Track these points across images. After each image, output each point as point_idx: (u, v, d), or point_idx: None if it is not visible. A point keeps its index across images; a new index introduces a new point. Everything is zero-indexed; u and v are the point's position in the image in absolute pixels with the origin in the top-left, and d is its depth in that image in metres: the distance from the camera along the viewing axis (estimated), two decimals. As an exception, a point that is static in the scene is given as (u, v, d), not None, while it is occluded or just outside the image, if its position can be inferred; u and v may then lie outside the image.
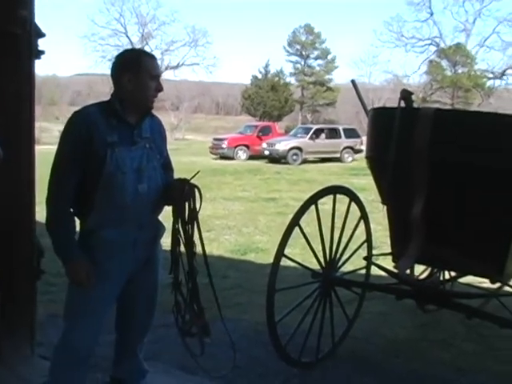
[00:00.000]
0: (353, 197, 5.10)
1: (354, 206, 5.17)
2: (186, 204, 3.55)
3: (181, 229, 3.59)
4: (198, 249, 3.63)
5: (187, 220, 3.58)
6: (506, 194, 3.91)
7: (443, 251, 4.28)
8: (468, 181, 3.98)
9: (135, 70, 3.35)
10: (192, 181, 3.55)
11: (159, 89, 3.49)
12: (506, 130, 3.92)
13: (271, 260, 4.78)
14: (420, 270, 5.96)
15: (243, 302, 6.73)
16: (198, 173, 3.71)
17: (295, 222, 4.59)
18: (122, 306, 3.86)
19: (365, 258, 5.12)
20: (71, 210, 3.43)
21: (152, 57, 3.50)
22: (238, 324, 5.91)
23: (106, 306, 3.58)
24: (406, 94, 4.32)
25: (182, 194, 3.51)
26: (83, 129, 3.30)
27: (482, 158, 3.89)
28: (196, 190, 3.57)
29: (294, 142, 30.69)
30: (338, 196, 4.98)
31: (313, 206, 4.70)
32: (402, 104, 4.31)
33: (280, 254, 4.56)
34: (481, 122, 4.12)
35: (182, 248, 3.65)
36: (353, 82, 5.39)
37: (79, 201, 3.43)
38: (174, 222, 3.60)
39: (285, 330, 4.80)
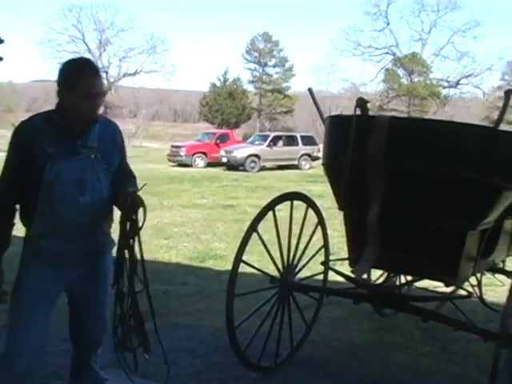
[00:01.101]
0: (310, 203, 5.17)
1: (311, 212, 5.24)
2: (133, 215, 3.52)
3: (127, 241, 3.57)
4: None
5: (129, 232, 3.55)
6: (458, 199, 4.01)
7: (399, 256, 4.36)
8: (421, 187, 4.06)
9: (69, 88, 3.32)
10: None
11: (92, 109, 3.40)
12: (457, 137, 4.02)
13: (230, 266, 4.81)
14: (377, 275, 6.06)
15: (202, 308, 6.74)
16: (144, 185, 3.72)
17: (253, 228, 4.63)
18: (71, 318, 3.86)
19: (322, 264, 5.18)
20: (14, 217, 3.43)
21: (91, 74, 3.38)
22: (197, 330, 5.96)
23: (38, 319, 3.49)
24: (361, 102, 4.39)
25: (125, 206, 3.48)
26: (23, 138, 3.32)
27: (433, 163, 3.98)
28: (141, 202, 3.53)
29: (251, 150, 30.78)
30: (295, 203, 5.04)
31: (270, 213, 4.75)
32: (358, 112, 4.39)
33: (238, 259, 4.60)
34: (435, 129, 4.22)
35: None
36: (309, 90, 5.46)
37: (25, 208, 3.44)
38: (120, 235, 3.59)
39: (244, 335, 4.84)
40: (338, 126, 4.59)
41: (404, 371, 5.25)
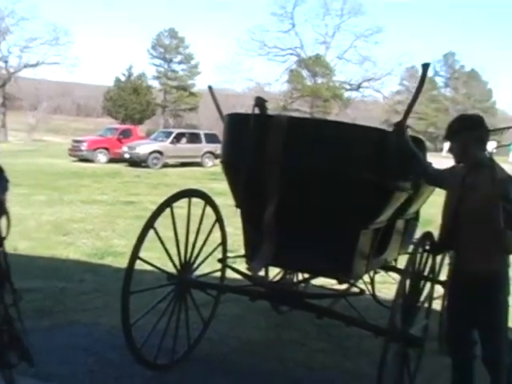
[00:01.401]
0: (208, 200, 5.18)
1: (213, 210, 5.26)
2: None
3: None
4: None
5: None
6: (351, 199, 4.10)
7: (294, 254, 4.43)
8: (316, 186, 4.14)
9: None
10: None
11: None
12: (351, 138, 4.12)
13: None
14: (275, 273, 6.13)
15: (100, 305, 6.65)
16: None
17: (150, 224, 4.59)
18: None
19: (219, 261, 5.20)
20: None
21: None
22: (93, 328, 5.87)
23: None
24: (260, 101, 4.44)
25: None
26: None
27: (329, 163, 4.07)
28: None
29: (154, 146, 30.39)
30: (196, 200, 5.03)
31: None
32: (257, 111, 4.43)
33: (134, 256, 4.55)
34: (330, 130, 4.31)
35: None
36: (209, 87, 5.47)
37: None
38: None
39: (141, 333, 4.79)
40: (236, 125, 4.61)
41: (300, 368, 5.35)
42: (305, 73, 67.81)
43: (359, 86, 68.23)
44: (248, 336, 6.01)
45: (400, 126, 4.19)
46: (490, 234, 3.82)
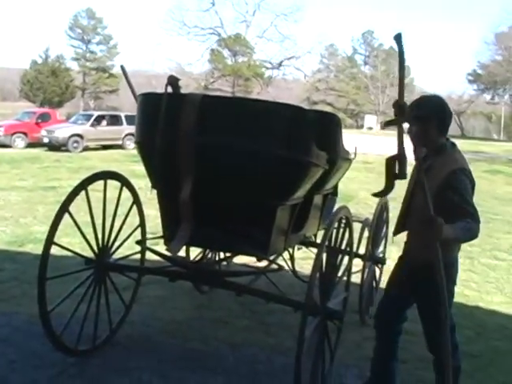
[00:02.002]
0: (124, 182, 5.11)
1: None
2: None
3: None
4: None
5: None
6: (265, 174, 4.11)
7: (212, 232, 4.41)
8: (230, 164, 4.13)
9: None
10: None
11: None
12: (266, 115, 4.12)
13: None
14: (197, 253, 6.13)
15: (18, 294, 6.50)
16: None
17: (64, 208, 4.49)
18: None
19: (137, 242, 5.14)
20: None
21: None
22: (12, 317, 5.74)
23: None
24: (172, 80, 4.39)
25: None
26: None
27: (242, 140, 4.06)
28: None
29: (74, 129, 29.70)
30: (116, 183, 4.97)
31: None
32: (170, 89, 4.38)
33: (49, 242, 4.46)
34: (244, 107, 4.30)
35: None
36: (122, 67, 5.38)
37: None
38: None
39: (62, 320, 4.70)
40: (149, 104, 4.54)
41: (223, 345, 5.39)
42: (226, 52, 67.76)
43: (280, 65, 68.66)
44: (171, 317, 6.01)
45: (400, 108, 3.60)
46: None
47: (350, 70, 78.89)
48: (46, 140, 29.47)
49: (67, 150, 28.41)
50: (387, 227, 7.03)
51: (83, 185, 4.64)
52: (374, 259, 6.57)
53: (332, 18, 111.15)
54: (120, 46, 69.24)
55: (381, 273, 7.08)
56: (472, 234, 3.71)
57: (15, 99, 78.14)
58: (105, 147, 30.40)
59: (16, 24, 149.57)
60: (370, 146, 33.32)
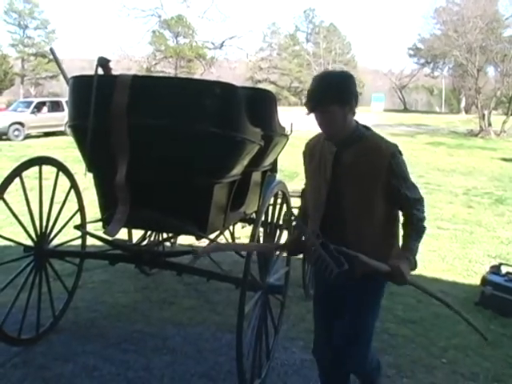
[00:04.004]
0: (60, 167, 5.05)
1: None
2: None
3: None
4: None
5: None
6: (199, 152, 4.11)
7: (149, 214, 4.40)
8: (164, 143, 4.12)
9: None
10: None
11: None
12: (197, 93, 4.13)
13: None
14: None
15: (-43, 285, 6.37)
16: None
17: (-1, 196, 4.43)
18: None
19: (76, 227, 5.10)
20: None
21: None
22: (-49, 310, 5.63)
23: None
24: (103, 61, 4.35)
25: None
26: None
27: (174, 119, 4.06)
28: None
29: (14, 117, 28.98)
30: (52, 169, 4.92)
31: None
32: (101, 71, 4.34)
33: None
34: (174, 86, 4.28)
35: None
36: (51, 49, 5.29)
37: None
38: None
39: (3, 310, 4.65)
40: (80, 87, 4.49)
41: (168, 326, 5.41)
42: (167, 34, 67.13)
43: (222, 45, 68.35)
44: (115, 300, 5.99)
45: None
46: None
47: (293, 48, 79.08)
48: (-15, 129, 28.79)
49: (8, 139, 27.81)
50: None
51: (17, 171, 4.57)
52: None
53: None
54: (59, 31, 67.57)
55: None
56: (423, 223, 3.39)
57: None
58: (47, 134, 29.81)
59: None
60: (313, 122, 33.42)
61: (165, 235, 6.01)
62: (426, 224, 3.41)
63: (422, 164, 19.50)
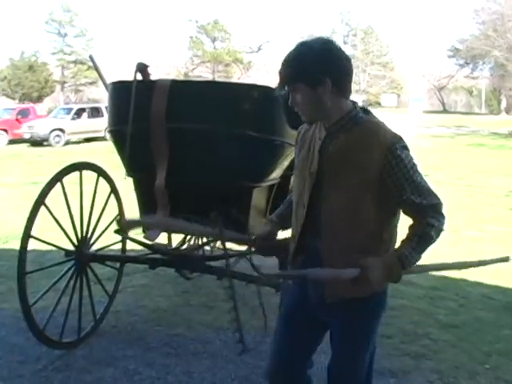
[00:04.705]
0: (100, 172, 5.09)
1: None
2: None
3: None
4: None
5: None
6: (238, 156, 4.12)
7: (189, 217, 4.39)
8: (205, 147, 4.13)
9: None
10: None
11: None
12: (236, 97, 4.13)
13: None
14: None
15: (3, 290, 6.46)
16: None
17: (40, 201, 4.48)
18: None
19: (116, 232, 5.13)
20: None
21: None
22: (-4, 314, 5.72)
23: None
24: (141, 67, 4.38)
25: None
26: None
27: (213, 122, 4.06)
28: None
29: (55, 123, 29.51)
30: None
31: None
32: (139, 77, 4.37)
33: (26, 235, 4.46)
34: (213, 90, 4.29)
35: None
36: (90, 57, 5.36)
37: None
38: None
39: (46, 314, 4.70)
40: (120, 92, 4.53)
41: (208, 330, 5.40)
42: (204, 39, 67.58)
43: (259, 49, 68.52)
44: (156, 304, 6.00)
45: None
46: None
47: (330, 51, 78.82)
48: (27, 136, 29.29)
49: (49, 145, 28.24)
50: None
51: (58, 177, 4.62)
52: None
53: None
54: (97, 38, 68.45)
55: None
56: (437, 235, 2.60)
57: (-6, 97, 77.46)
58: (87, 140, 30.20)
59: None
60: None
61: (204, 239, 6.02)
62: (437, 234, 2.60)
63: (463, 166, 19.25)
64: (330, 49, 2.53)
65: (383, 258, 2.56)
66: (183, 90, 4.24)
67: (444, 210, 2.61)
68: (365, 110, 2.68)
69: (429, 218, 2.55)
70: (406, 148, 2.54)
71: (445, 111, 70.80)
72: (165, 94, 4.11)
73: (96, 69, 5.14)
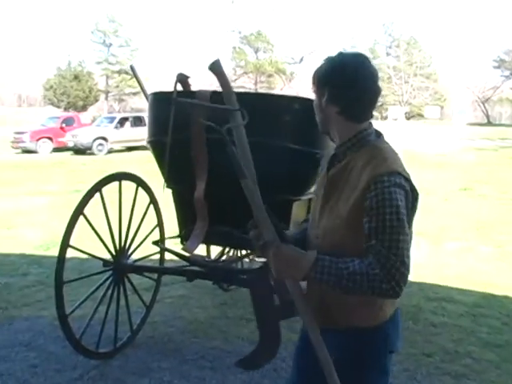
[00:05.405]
0: (139, 182, 5.08)
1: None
2: None
3: None
4: None
5: None
6: (279, 169, 4.05)
7: (229, 230, 4.37)
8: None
9: None
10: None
11: None
12: (276, 109, 4.08)
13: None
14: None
15: (43, 298, 6.51)
16: None
17: (79, 211, 4.49)
18: None
19: (154, 243, 5.11)
20: None
21: None
22: (35, 321, 5.76)
23: None
24: (182, 78, 4.35)
25: None
26: None
27: (254, 134, 3.98)
28: None
29: (98, 132, 29.88)
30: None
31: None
32: (180, 87, 4.34)
33: (65, 244, 4.45)
34: (254, 102, 4.24)
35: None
36: (131, 67, 5.36)
37: None
38: None
39: (83, 323, 4.72)
40: (160, 103, 4.52)
41: (245, 343, 5.32)
42: (247, 49, 67.92)
43: (301, 60, 68.57)
44: (193, 316, 5.97)
45: None
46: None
47: (373, 62, 78.54)
48: (70, 144, 29.71)
49: (92, 154, 28.57)
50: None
51: (97, 187, 4.63)
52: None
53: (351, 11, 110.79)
54: (142, 48, 69.30)
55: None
56: (368, 284, 2.05)
57: (41, 105, 78.91)
58: (130, 149, 30.47)
59: (39, 32, 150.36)
60: (395, 136, 33.06)
61: (243, 252, 5.98)
62: (372, 287, 2.05)
63: (508, 179, 18.91)
64: (347, 62, 2.41)
65: (302, 250, 2.23)
66: (224, 101, 4.20)
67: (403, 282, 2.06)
68: (377, 132, 2.42)
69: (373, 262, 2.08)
70: (396, 185, 2.16)
71: (489, 123, 69.74)
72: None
73: (137, 79, 5.15)
